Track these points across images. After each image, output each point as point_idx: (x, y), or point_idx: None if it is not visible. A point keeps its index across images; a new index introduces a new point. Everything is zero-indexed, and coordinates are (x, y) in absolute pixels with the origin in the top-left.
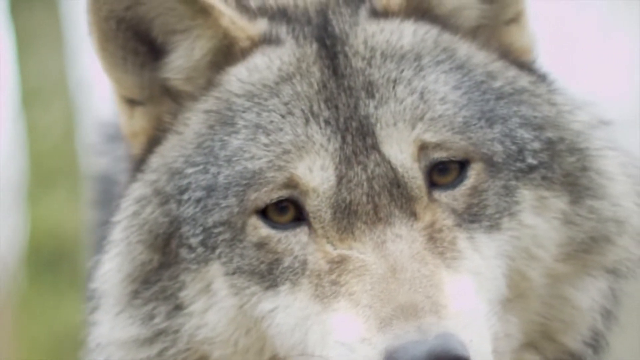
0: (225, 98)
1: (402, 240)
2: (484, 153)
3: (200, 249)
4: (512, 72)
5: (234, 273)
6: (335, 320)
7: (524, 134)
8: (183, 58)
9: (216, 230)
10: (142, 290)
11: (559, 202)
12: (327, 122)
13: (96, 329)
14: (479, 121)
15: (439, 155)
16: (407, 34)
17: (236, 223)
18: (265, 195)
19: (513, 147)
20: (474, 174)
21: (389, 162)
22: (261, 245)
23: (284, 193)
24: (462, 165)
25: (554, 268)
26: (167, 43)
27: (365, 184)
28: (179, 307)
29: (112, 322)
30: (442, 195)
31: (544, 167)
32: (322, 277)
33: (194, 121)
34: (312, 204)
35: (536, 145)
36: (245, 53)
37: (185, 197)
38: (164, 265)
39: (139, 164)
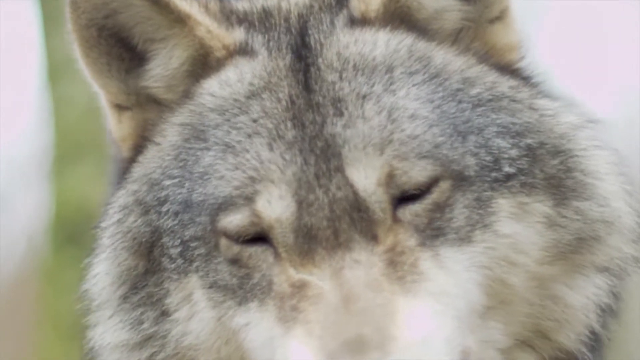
0: (199, 111)
1: (360, 266)
2: (453, 170)
3: (179, 261)
4: (492, 77)
5: (210, 287)
6: (293, 347)
7: (501, 142)
8: (161, 66)
9: (192, 245)
10: (131, 295)
11: (541, 207)
12: (291, 143)
13: (91, 332)
14: (450, 137)
15: (406, 180)
16: (380, 44)
17: (210, 240)
18: (234, 229)
19: (488, 158)
20: (438, 190)
21: (352, 186)
22: (234, 261)
23: (251, 230)
24: (429, 183)
25: (539, 271)
26: (147, 51)
27: (326, 207)
28: (165, 314)
29: (104, 326)
30: (406, 213)
31: (523, 173)
32: (284, 301)
33: (170, 133)
34: (275, 233)
35: (514, 152)
36: (220, 64)
37: (164, 209)
38: (149, 271)
39: (125, 171)
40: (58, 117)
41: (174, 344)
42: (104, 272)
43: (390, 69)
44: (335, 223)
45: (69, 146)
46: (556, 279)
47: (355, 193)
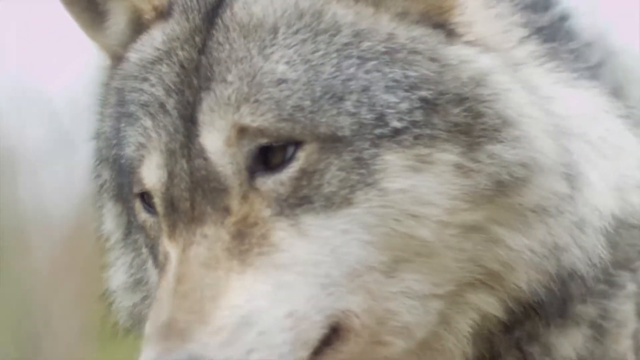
0: (123, 75)
1: (206, 241)
2: (320, 133)
3: (132, 216)
4: (389, 28)
5: (146, 246)
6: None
7: (390, 97)
8: (115, 26)
9: (130, 205)
10: (126, 238)
11: (447, 155)
12: (169, 111)
13: (106, 273)
14: (319, 100)
15: (261, 140)
16: (267, 3)
17: (133, 202)
18: (136, 187)
19: (369, 115)
20: (303, 155)
21: (204, 151)
22: (143, 227)
23: (142, 187)
24: (296, 146)
25: (457, 220)
26: (106, 11)
27: (188, 178)
28: (145, 261)
29: (114, 267)
30: (268, 182)
31: (417, 126)
32: (159, 273)
33: (111, 94)
34: (154, 201)
35: (404, 106)
36: (147, 27)
37: (117, 166)
38: (130, 220)
39: None
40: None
41: (154, 290)
42: (107, 214)
43: (274, 30)
44: (193, 194)
45: None
46: (492, 222)
47: (206, 159)
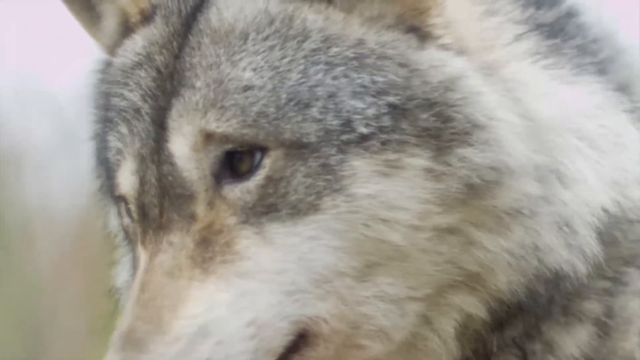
0: (108, 80)
1: (172, 249)
2: (285, 139)
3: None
4: (359, 33)
5: (131, 250)
6: None
7: (357, 103)
8: (109, 27)
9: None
10: (128, 237)
11: (417, 160)
12: (143, 118)
13: (114, 270)
14: (283, 107)
15: (226, 146)
16: (237, 9)
17: (119, 204)
18: (116, 191)
19: (335, 122)
20: (269, 162)
21: (171, 156)
22: (127, 232)
23: (120, 192)
24: (262, 153)
25: (433, 222)
26: (101, 11)
27: (157, 184)
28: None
29: (119, 265)
30: (235, 190)
31: (385, 132)
32: (133, 280)
33: (100, 97)
34: (130, 206)
35: (371, 112)
36: (131, 31)
37: (106, 169)
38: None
39: None
40: None
41: None
42: (112, 212)
43: (244, 36)
44: (162, 201)
45: None
46: (467, 224)
47: (173, 164)
